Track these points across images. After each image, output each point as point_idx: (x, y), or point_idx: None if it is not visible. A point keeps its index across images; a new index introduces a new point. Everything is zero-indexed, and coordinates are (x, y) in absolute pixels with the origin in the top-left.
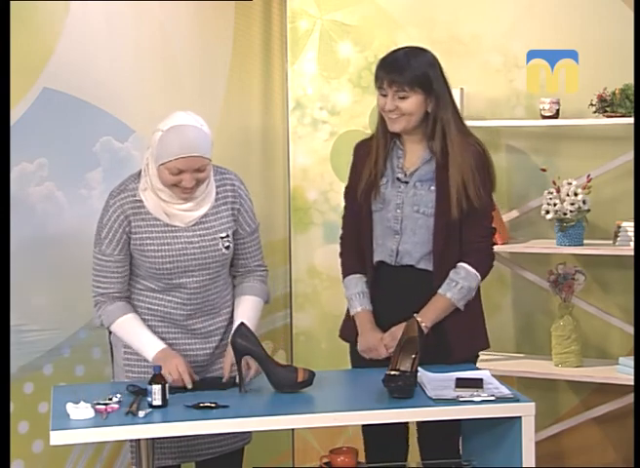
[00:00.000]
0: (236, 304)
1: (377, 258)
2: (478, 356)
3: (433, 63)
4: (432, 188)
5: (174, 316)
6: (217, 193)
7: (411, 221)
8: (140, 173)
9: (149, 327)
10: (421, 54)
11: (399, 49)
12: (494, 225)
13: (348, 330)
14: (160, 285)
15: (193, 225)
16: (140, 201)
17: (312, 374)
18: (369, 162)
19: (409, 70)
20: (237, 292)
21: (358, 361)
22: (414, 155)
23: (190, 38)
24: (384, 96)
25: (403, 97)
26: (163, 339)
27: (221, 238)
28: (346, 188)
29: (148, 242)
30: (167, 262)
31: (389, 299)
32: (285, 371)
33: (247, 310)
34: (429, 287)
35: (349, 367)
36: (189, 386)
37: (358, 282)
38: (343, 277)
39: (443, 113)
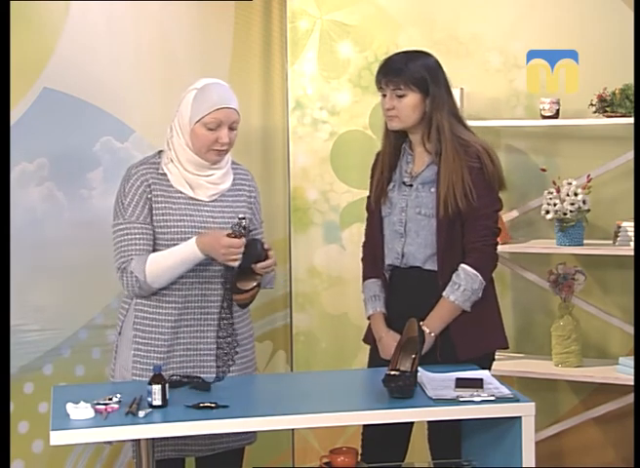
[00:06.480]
0: None
1: (387, 262)
2: (493, 357)
3: (431, 66)
4: (432, 190)
5: (191, 302)
6: (233, 179)
7: (414, 223)
8: (157, 154)
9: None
10: (420, 56)
11: (400, 52)
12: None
13: (371, 334)
14: None
15: (214, 201)
16: (163, 174)
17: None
18: (378, 169)
19: (405, 70)
20: None
21: (376, 363)
22: (420, 159)
23: (190, 38)
24: (384, 95)
25: (400, 96)
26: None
27: (240, 218)
28: (367, 197)
29: (170, 212)
30: (188, 233)
31: (401, 301)
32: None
33: None
34: (438, 287)
35: (350, 366)
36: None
37: (372, 286)
38: (362, 282)
39: (438, 114)
